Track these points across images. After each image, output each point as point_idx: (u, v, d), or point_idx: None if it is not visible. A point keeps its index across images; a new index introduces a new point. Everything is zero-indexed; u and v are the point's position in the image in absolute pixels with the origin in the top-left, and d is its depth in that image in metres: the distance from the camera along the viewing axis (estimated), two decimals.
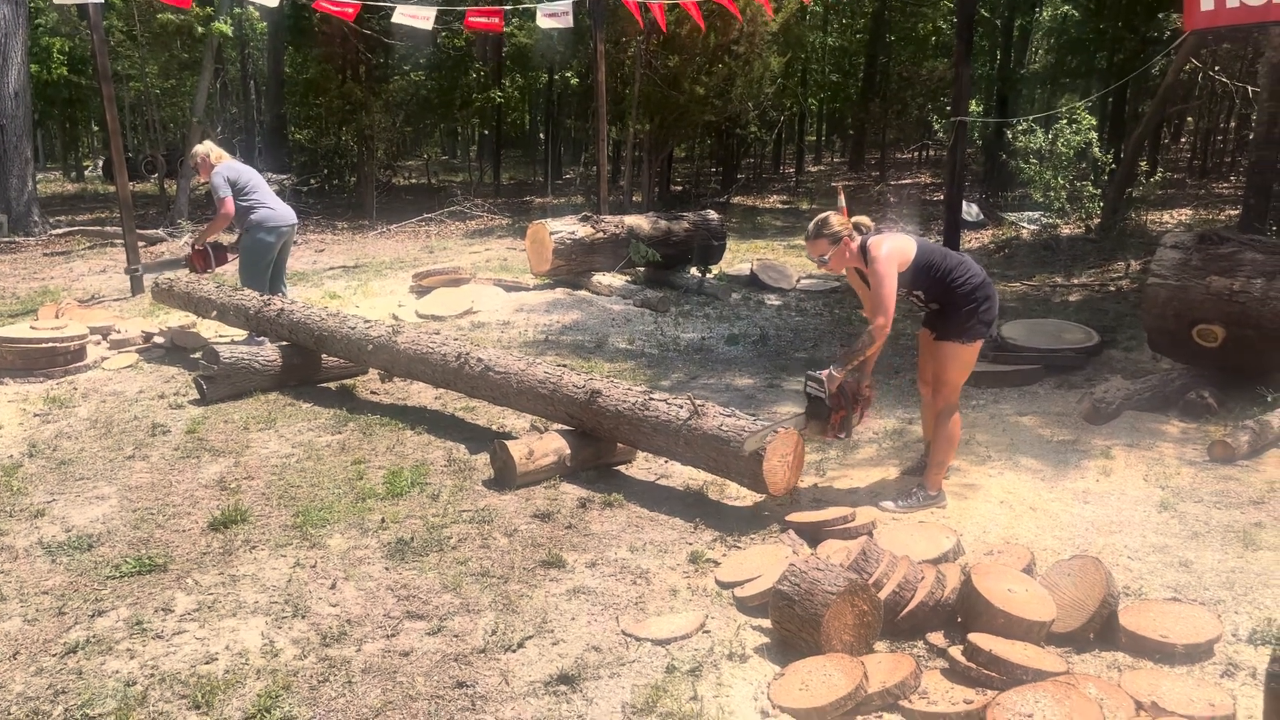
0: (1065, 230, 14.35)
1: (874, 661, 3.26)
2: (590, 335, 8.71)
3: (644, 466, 5.37)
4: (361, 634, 3.57)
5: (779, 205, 21.76)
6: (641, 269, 10.96)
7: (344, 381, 7.08)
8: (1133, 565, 4.03)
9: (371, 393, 6.85)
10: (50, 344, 7.44)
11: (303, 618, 3.69)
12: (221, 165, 7.97)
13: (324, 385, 7.03)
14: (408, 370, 6.08)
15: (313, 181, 24.25)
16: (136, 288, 10.85)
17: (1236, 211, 16.18)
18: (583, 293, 10.21)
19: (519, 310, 9.51)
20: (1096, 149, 14.39)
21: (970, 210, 15.74)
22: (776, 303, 10.41)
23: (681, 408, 4.73)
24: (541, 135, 37.45)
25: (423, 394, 6.72)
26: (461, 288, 9.92)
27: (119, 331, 8.45)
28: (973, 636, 3.23)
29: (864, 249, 4.56)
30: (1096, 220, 14.58)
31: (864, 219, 4.71)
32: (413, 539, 4.33)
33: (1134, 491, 4.83)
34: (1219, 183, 22.34)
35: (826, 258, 4.61)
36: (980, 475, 5.06)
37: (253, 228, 7.93)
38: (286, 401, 6.57)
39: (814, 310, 10.00)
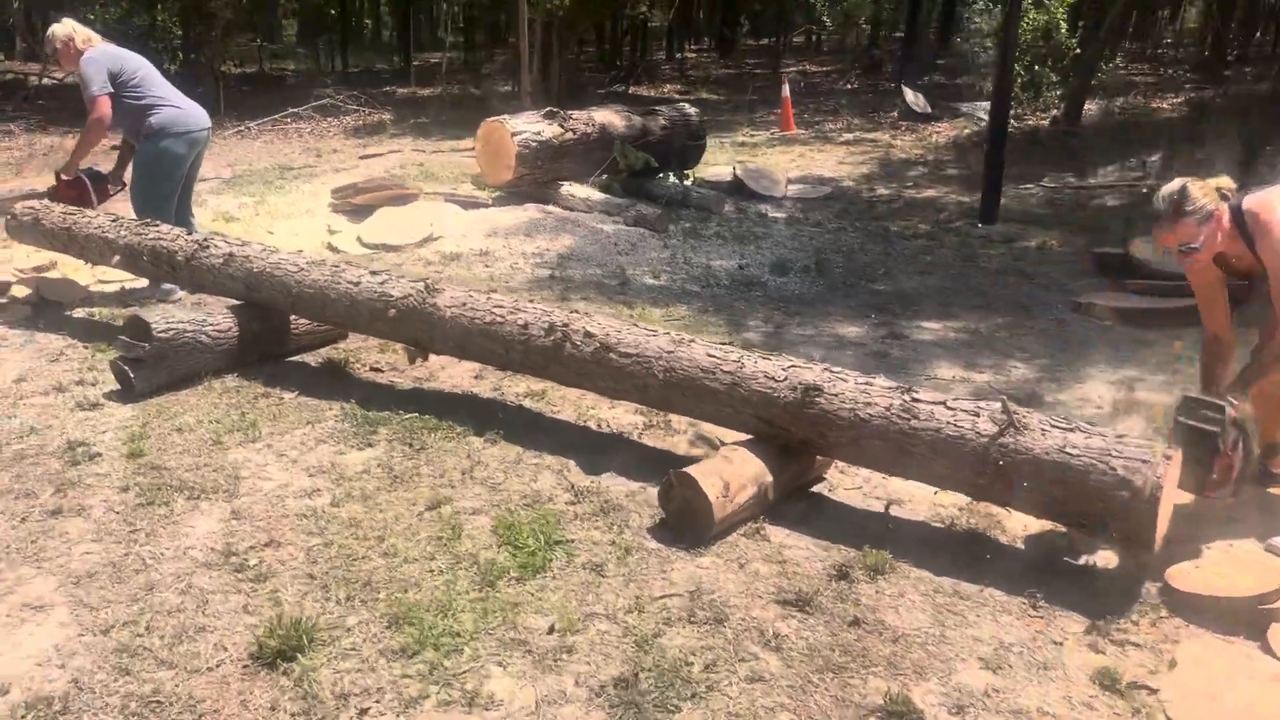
0: (1031, 122, 13.23)
1: None
2: (602, 268, 6.90)
3: (849, 486, 3.76)
4: None
5: (678, 96, 19.89)
6: (604, 177, 9.05)
7: (326, 354, 5.09)
8: None
9: (372, 369, 4.91)
10: None
11: None
12: (95, 51, 5.70)
13: (295, 359, 5.04)
14: (461, 347, 4.20)
15: None
16: None
17: (1181, 98, 15.44)
18: (556, 209, 8.31)
19: (492, 235, 7.56)
20: (1064, 30, 13.23)
21: (916, 100, 14.42)
22: (780, 215, 8.82)
23: (978, 415, 3.11)
24: (367, 20, 33.79)
25: (448, 366, 4.83)
26: (409, 206, 7.85)
27: None
28: None
29: (1240, 221, 3.07)
30: (1056, 111, 13.54)
31: (1224, 181, 3.21)
32: (637, 675, 2.60)
33: None
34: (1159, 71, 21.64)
35: (1197, 244, 3.10)
36: None
37: (155, 134, 5.71)
38: (258, 390, 4.57)
39: (833, 224, 8.46)
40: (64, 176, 5.95)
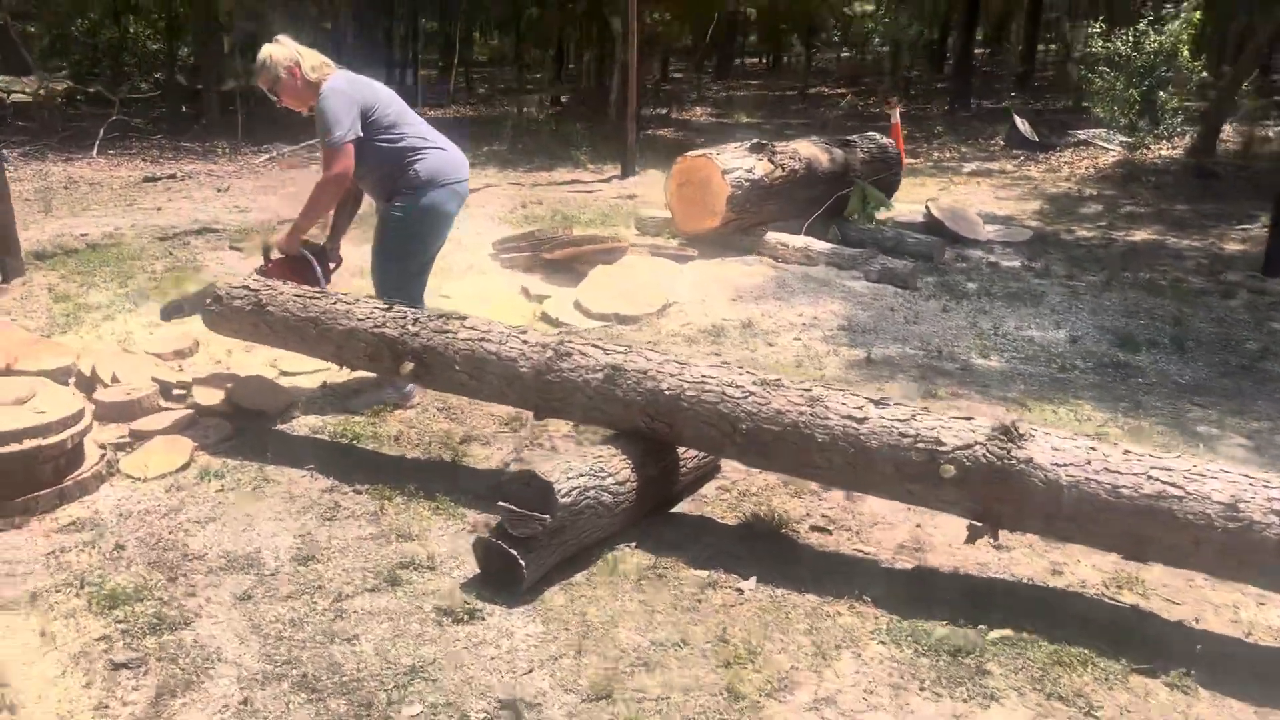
0: (1164, 152, 12.17)
1: None
2: (906, 344, 5.50)
3: None
4: None
5: (719, 119, 18.54)
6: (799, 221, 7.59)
7: (718, 497, 3.60)
8: None
9: (815, 529, 3.43)
10: (23, 446, 3.48)
11: None
12: (338, 81, 4.14)
13: (693, 511, 3.54)
14: (1083, 528, 2.74)
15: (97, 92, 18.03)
16: (10, 268, 6.57)
17: None
18: (782, 264, 6.87)
19: (738, 299, 6.09)
20: (1186, 52, 12.18)
21: (1024, 127, 13.30)
22: (1013, 264, 7.51)
23: None
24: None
25: (921, 523, 3.37)
26: (621, 263, 6.33)
27: (100, 380, 4.46)
28: None
29: None
30: (1186, 139, 12.49)
31: None
32: None
33: None
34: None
35: None
36: None
37: (421, 186, 4.19)
38: (691, 574, 3.08)
39: (1091, 276, 7.15)
40: (275, 254, 4.35)
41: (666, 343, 5.32)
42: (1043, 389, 4.81)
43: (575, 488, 3.00)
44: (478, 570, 3.06)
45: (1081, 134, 12.97)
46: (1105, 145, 12.46)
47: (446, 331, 3.59)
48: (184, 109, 17.54)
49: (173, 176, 11.18)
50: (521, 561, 2.90)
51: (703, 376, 3.19)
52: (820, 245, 6.97)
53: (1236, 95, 12.35)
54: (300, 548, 3.25)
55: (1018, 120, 13.11)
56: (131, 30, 20.28)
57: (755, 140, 7.29)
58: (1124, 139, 12.55)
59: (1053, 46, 27.07)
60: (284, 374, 4.86)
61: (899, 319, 5.87)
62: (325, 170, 4.14)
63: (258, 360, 5.05)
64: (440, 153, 4.28)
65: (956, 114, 17.55)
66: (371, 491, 3.61)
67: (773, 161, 7.04)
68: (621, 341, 3.79)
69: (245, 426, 4.18)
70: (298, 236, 4.32)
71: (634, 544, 3.24)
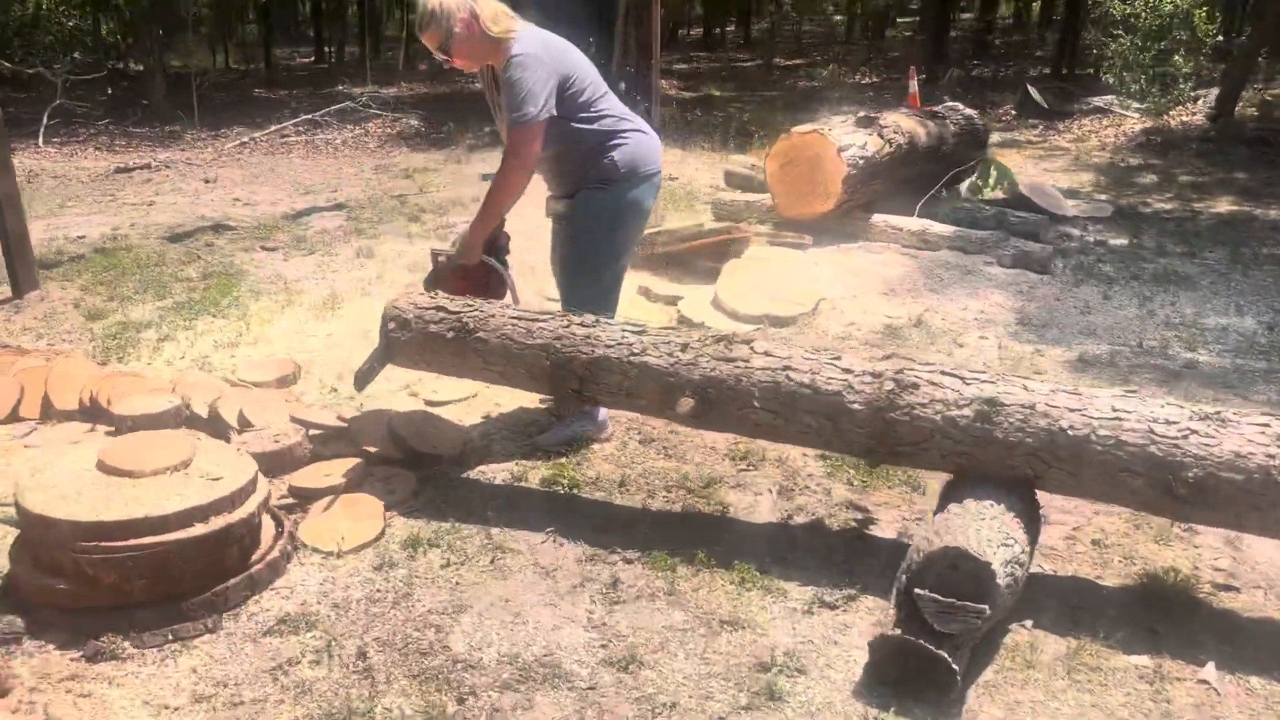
0: (1185, 118, 11.90)
1: None
2: (1095, 337, 4.96)
3: None
4: None
5: (692, 93, 17.83)
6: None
7: (1094, 553, 2.98)
8: None
9: (1218, 587, 2.82)
10: (209, 527, 2.67)
11: None
12: (533, 44, 3.35)
13: (1044, 570, 2.91)
14: None
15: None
16: (23, 280, 5.64)
17: None
18: (912, 250, 6.25)
19: (889, 293, 5.46)
20: (1202, 14, 11.90)
21: (1037, 96, 12.91)
22: (1119, 241, 7.02)
23: None
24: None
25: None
26: (748, 256, 5.65)
27: (225, 422, 3.66)
28: None
29: None
30: (1200, 104, 12.24)
31: None
32: None
33: None
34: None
35: None
36: None
37: (621, 179, 3.46)
38: (1120, 658, 2.47)
39: (1212, 253, 6.70)
40: (442, 258, 3.57)
41: (842, 347, 4.66)
42: None
43: (1003, 561, 2.34)
44: (861, 671, 2.39)
45: (1098, 100, 12.62)
46: (1123, 112, 12.13)
47: (734, 359, 2.88)
48: (110, 91, 16.19)
49: (147, 167, 10.08)
50: (955, 666, 2.24)
51: (1114, 410, 2.55)
52: (940, 228, 6.37)
53: (1259, 58, 12.12)
54: (605, 645, 2.53)
55: (1031, 89, 12.71)
56: (45, 7, 18.59)
57: (863, 114, 6.64)
58: (1137, 105, 12.26)
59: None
60: (429, 404, 4.09)
61: (1070, 309, 5.32)
62: (512, 155, 3.37)
63: (385, 386, 4.26)
64: (641, 137, 3.53)
65: (938, 81, 17.17)
66: (646, 560, 2.90)
67: (882, 137, 6.41)
68: (803, 346, 3.03)
69: (434, 478, 3.41)
70: (481, 240, 3.53)
71: (1027, 622, 2.60)
